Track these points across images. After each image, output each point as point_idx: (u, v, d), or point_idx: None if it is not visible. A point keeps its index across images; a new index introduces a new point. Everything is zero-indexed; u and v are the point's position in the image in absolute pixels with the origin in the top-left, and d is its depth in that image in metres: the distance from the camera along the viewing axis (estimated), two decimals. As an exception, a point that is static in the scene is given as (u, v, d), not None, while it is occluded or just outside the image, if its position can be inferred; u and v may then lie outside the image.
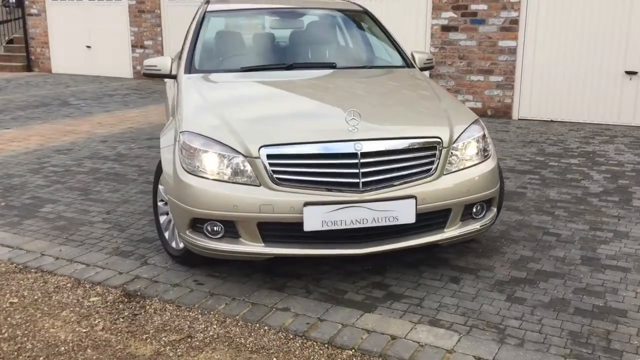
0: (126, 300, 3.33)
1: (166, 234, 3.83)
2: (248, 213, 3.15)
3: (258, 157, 3.18)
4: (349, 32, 5.04)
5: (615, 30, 7.91)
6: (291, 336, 2.95)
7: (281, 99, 3.89)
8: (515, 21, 8.39)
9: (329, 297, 3.32)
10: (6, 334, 2.98)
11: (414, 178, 3.27)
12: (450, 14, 8.72)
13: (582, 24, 8.05)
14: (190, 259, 3.63)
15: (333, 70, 4.40)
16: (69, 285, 3.51)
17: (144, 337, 2.96)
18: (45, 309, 3.24)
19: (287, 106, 3.75)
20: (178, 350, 2.84)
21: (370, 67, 4.56)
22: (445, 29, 8.82)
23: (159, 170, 3.82)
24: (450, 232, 3.40)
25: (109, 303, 3.30)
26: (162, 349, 2.85)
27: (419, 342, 2.86)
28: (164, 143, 3.58)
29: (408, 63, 4.66)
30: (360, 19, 5.11)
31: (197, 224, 3.28)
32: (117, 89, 11.95)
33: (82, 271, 3.66)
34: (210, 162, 3.26)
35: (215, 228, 3.25)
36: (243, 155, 3.21)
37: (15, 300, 3.33)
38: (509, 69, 8.52)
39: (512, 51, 8.45)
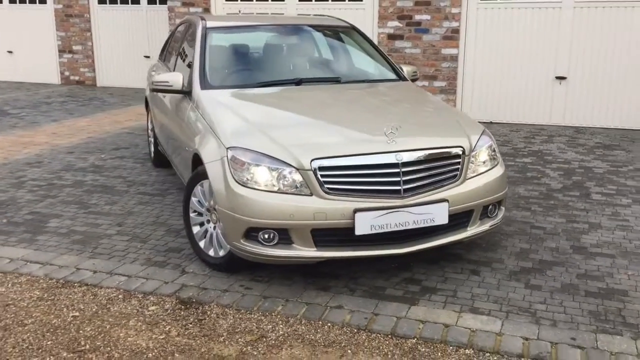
0: (184, 307, 3.53)
1: (201, 244, 4.04)
2: (303, 221, 3.45)
3: (310, 169, 3.48)
4: (343, 47, 5.40)
5: (546, 40, 8.71)
6: (355, 330, 3.28)
7: (312, 113, 4.18)
8: (456, 30, 9.03)
9: (371, 294, 3.67)
10: (87, 346, 3.13)
11: (445, 183, 3.68)
12: (396, 23, 9.24)
13: (516, 34, 8.80)
14: (231, 266, 3.87)
15: (340, 84, 4.74)
16: (120, 296, 3.65)
17: (221, 340, 3.19)
18: (111, 319, 3.39)
19: (322, 121, 4.05)
20: (259, 349, 3.10)
21: (371, 81, 4.94)
22: (391, 37, 9.34)
23: (192, 184, 4.01)
24: (472, 230, 3.84)
25: (169, 311, 3.49)
26: (244, 349, 3.10)
27: (469, 328, 3.26)
28: (207, 158, 3.78)
29: (401, 76, 5.08)
30: (349, 34, 5.47)
31: (251, 232, 3.53)
32: (50, 96, 11.68)
33: (126, 282, 3.81)
34: (263, 175, 3.52)
35: (269, 236, 3.52)
36: (295, 167, 3.49)
37: (77, 313, 3.45)
38: (451, 75, 9.15)
39: (454, 58, 9.09)
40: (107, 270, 3.98)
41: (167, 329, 3.30)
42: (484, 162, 3.92)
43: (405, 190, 3.54)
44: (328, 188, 3.48)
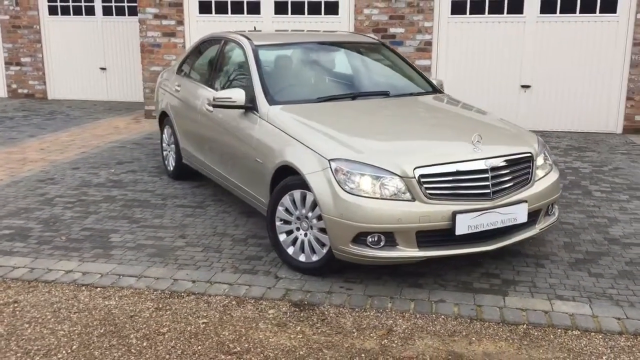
0: (299, 309, 3.78)
1: (289, 250, 4.29)
2: (409, 224, 3.79)
3: (413, 177, 3.83)
4: (379, 61, 5.77)
5: (512, 51, 9.45)
6: (469, 320, 3.65)
7: (389, 125, 4.52)
8: (429, 43, 9.61)
9: (463, 288, 4.05)
10: (238, 348, 3.33)
11: (521, 186, 4.13)
12: (372, 36, 9.69)
13: (484, 46, 9.48)
14: (324, 270, 4.14)
15: (390, 97, 5.12)
16: (233, 302, 3.85)
17: (355, 335, 3.48)
18: (240, 323, 3.59)
19: (403, 132, 4.41)
20: (396, 342, 3.41)
21: (416, 94, 5.33)
22: (368, 49, 9.78)
23: (279, 194, 4.26)
24: (540, 226, 4.31)
25: (288, 313, 3.73)
26: (382, 342, 3.41)
27: (567, 313, 3.71)
28: (307, 170, 4.02)
29: (436, 88, 5.51)
30: (380, 49, 5.85)
31: (360, 236, 3.84)
32: (6, 110, 11.33)
33: (232, 289, 4.00)
34: (368, 183, 3.83)
35: (376, 239, 3.83)
36: (399, 175, 3.83)
37: (205, 320, 3.63)
38: (425, 84, 9.70)
39: (428, 69, 9.66)
40: (204, 279, 4.15)
41: (298, 329, 3.54)
42: (543, 167, 4.40)
43: (494, 193, 3.96)
44: (429, 193, 3.83)
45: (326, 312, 3.74)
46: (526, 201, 4.06)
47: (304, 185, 4.11)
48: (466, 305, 3.80)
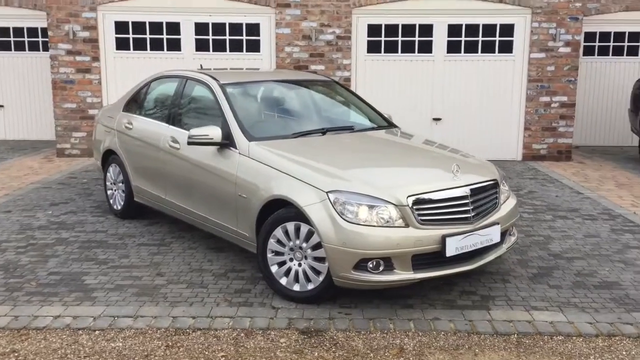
0: (308, 336, 3.94)
1: (282, 281, 4.44)
2: (406, 248, 4.09)
3: (407, 205, 4.14)
4: (335, 98, 6.08)
5: (424, 87, 10.17)
6: (466, 334, 3.98)
7: (371, 157, 4.82)
8: (348, 79, 10.10)
9: (449, 306, 4.39)
10: (269, 377, 3.44)
11: (491, 210, 4.57)
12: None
13: (398, 81, 10.12)
14: (320, 297, 4.33)
15: (356, 132, 5.43)
16: (242, 335, 3.94)
17: (372, 355, 3.70)
18: (259, 354, 3.70)
19: (386, 163, 4.72)
20: (412, 359, 3.67)
21: (377, 128, 5.68)
22: (289, 85, 10.11)
23: (271, 227, 4.42)
24: (506, 245, 4.76)
25: (300, 341, 3.88)
26: (400, 359, 3.66)
27: (546, 321, 4.15)
28: (304, 202, 4.20)
29: (389, 122, 5.91)
30: (333, 86, 6.18)
31: (361, 263, 4.08)
32: None
33: (236, 322, 4.08)
34: (365, 212, 4.10)
35: (376, 264, 4.10)
36: (394, 204, 4.13)
37: (223, 353, 3.70)
38: (345, 119, 10.16)
39: (346, 104, 10.13)
40: (204, 315, 4.19)
41: (316, 354, 3.71)
42: (503, 192, 4.88)
43: (473, 217, 4.36)
44: (421, 219, 4.16)
45: (335, 337, 3.92)
46: (499, 223, 4.49)
47: (298, 217, 4.29)
48: (459, 321, 4.13)
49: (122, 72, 10.13)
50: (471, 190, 4.39)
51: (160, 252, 5.46)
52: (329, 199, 4.14)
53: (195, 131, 4.94)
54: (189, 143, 4.96)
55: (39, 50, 11.73)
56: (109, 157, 6.64)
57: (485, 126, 10.23)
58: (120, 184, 6.43)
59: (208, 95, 5.44)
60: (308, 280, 4.35)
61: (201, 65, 6.68)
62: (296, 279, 4.39)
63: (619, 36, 11.66)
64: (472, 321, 4.14)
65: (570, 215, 6.81)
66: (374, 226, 4.07)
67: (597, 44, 11.65)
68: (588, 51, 11.52)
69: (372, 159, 4.83)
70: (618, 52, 11.75)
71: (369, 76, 10.14)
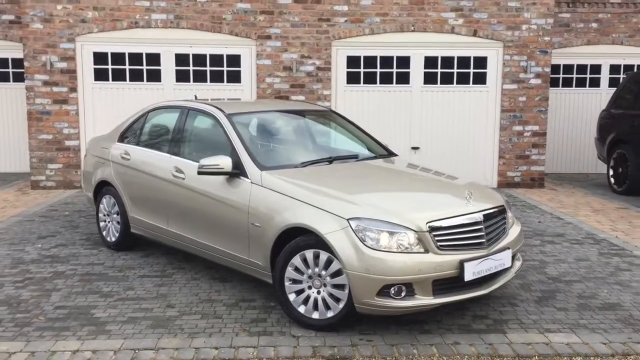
0: (335, 364, 3.97)
1: (301, 309, 4.45)
2: (428, 274, 4.17)
3: (426, 231, 4.24)
4: (336, 127, 6.17)
5: (402, 118, 10.39)
6: (489, 358, 4.06)
7: (383, 185, 4.92)
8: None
9: (465, 330, 4.47)
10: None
11: (502, 235, 4.71)
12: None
13: (377, 112, 10.29)
14: (340, 325, 4.36)
15: (360, 160, 5.53)
16: (269, 364, 3.93)
17: (404, 382, 3.74)
18: (291, 383, 3.70)
19: (398, 191, 4.82)
20: (443, 383, 3.72)
21: (379, 157, 5.77)
22: (270, 116, 10.19)
23: (289, 255, 4.44)
24: (514, 270, 4.89)
25: (328, 368, 3.90)
26: (431, 384, 3.70)
27: (563, 342, 4.26)
28: (325, 230, 4.25)
29: (389, 151, 6.03)
30: (332, 116, 6.28)
31: (384, 289, 4.14)
32: None
33: (260, 352, 4.07)
34: (386, 239, 4.17)
35: (398, 290, 4.16)
36: (414, 230, 4.22)
37: (256, 383, 3.68)
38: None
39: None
40: (226, 345, 4.16)
41: (348, 382, 3.72)
42: (509, 219, 5.03)
43: (487, 242, 4.48)
44: (440, 245, 4.26)
45: (362, 364, 3.94)
46: (509, 248, 4.62)
47: (317, 244, 4.33)
48: (480, 345, 4.21)
49: (101, 103, 10.03)
50: (484, 216, 4.51)
51: (165, 284, 5.40)
52: (350, 226, 4.19)
53: (205, 161, 4.94)
54: (200, 173, 4.96)
55: (9, 81, 11.50)
56: (101, 188, 6.55)
57: (461, 154, 10.47)
58: (115, 215, 6.34)
59: (213, 125, 5.47)
60: (327, 307, 4.37)
61: (196, 96, 6.70)
62: (315, 307, 4.40)
63: (581, 68, 12.17)
64: (491, 344, 4.22)
65: (557, 240, 7.01)
66: (395, 252, 4.14)
67: (561, 75, 12.12)
68: (553, 83, 11.96)
69: (385, 187, 4.93)
70: (581, 83, 12.25)
71: (349, 106, 10.29)
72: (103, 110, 9.99)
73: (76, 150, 10.04)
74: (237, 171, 4.97)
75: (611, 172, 10.33)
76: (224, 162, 4.93)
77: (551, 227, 7.61)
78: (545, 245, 6.78)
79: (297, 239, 4.44)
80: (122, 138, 6.46)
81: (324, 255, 4.32)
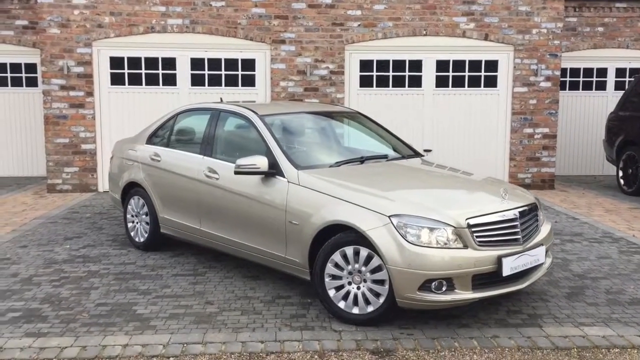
0: (380, 356, 4.06)
1: (340, 305, 4.55)
2: (468, 269, 4.28)
3: (466, 227, 4.35)
4: (364, 128, 6.28)
5: (415, 121, 10.52)
6: (529, 350, 4.16)
7: (419, 184, 5.05)
8: (341, 113, 10.33)
9: (502, 324, 4.58)
10: (362, 395, 3.53)
11: (535, 232, 4.82)
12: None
13: (390, 115, 10.31)
14: (380, 319, 4.46)
15: (391, 160, 5.64)
16: (316, 357, 4.02)
17: (450, 372, 3.84)
18: (342, 375, 3.80)
19: (436, 189, 4.94)
20: (488, 373, 3.83)
21: (407, 157, 5.88)
22: (285, 119, 10.30)
23: (329, 252, 4.54)
24: (546, 265, 5.00)
25: (374, 360, 4.00)
26: (477, 375, 3.81)
27: (599, 335, 4.38)
28: (366, 227, 4.35)
29: (416, 151, 6.14)
30: (358, 118, 6.39)
31: (426, 283, 4.24)
32: None
33: (306, 344, 4.16)
34: (426, 235, 4.28)
35: (438, 284, 4.27)
36: (453, 226, 4.33)
37: (308, 375, 3.78)
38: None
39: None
40: (271, 339, 4.26)
41: (396, 373, 3.82)
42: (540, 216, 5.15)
43: (522, 238, 4.59)
44: (479, 241, 4.37)
45: (407, 356, 4.05)
46: (543, 244, 4.74)
47: (357, 241, 4.44)
48: (519, 338, 4.32)
49: (117, 107, 10.13)
50: (519, 213, 4.62)
51: (199, 282, 5.49)
52: (391, 222, 4.30)
53: (242, 161, 5.04)
54: (237, 172, 5.06)
55: (22, 85, 11.58)
56: (129, 189, 6.64)
57: (473, 156, 10.60)
58: (144, 216, 6.43)
59: (246, 126, 5.57)
60: (367, 302, 4.47)
61: (221, 99, 6.79)
62: (354, 302, 4.50)
63: (588, 72, 12.34)
64: (530, 337, 4.33)
65: (576, 239, 7.14)
66: (435, 248, 4.24)
67: (568, 79, 12.29)
68: (560, 86, 12.10)
69: (420, 185, 5.04)
70: (587, 87, 12.42)
71: (362, 109, 10.31)
72: (119, 114, 10.08)
73: (92, 154, 10.12)
74: (274, 171, 5.07)
75: (620, 174, 10.47)
76: (261, 161, 5.03)
77: (568, 227, 7.73)
78: (565, 244, 6.90)
79: (338, 235, 4.54)
80: (151, 140, 6.55)
81: (364, 252, 4.42)
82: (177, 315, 4.70)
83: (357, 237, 4.43)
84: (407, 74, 10.46)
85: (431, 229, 4.28)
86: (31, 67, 11.44)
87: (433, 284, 4.23)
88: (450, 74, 10.51)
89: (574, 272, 5.85)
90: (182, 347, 4.12)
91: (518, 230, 4.56)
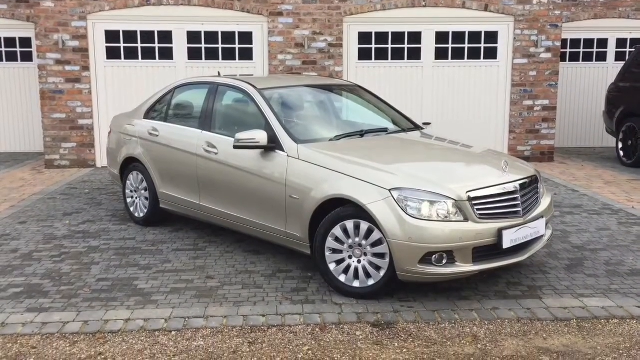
0: (380, 328, 4.08)
1: (341, 278, 4.56)
2: (468, 242, 4.28)
3: (466, 200, 4.34)
4: (362, 101, 6.24)
5: (414, 94, 10.45)
6: (529, 321, 4.18)
7: (420, 156, 5.04)
8: (340, 86, 10.27)
9: (502, 296, 4.59)
10: (363, 367, 3.56)
11: (535, 204, 4.81)
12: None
13: (389, 88, 10.30)
14: (380, 292, 4.47)
15: (390, 133, 5.61)
16: (317, 330, 4.04)
17: (450, 344, 3.86)
18: (342, 347, 3.81)
19: (435, 162, 4.92)
20: (489, 346, 3.85)
21: (408, 130, 5.85)
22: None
23: (330, 226, 4.53)
24: (546, 237, 5.00)
25: (375, 332, 4.01)
26: (477, 346, 3.83)
27: (598, 306, 4.40)
28: (367, 200, 4.34)
29: (416, 125, 6.10)
30: (359, 91, 6.34)
31: (426, 257, 4.24)
32: None
33: (307, 318, 4.18)
34: (427, 208, 4.27)
35: (439, 257, 4.27)
36: (454, 199, 4.32)
37: (307, 347, 3.80)
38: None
39: (339, 110, 10.31)
40: (272, 313, 4.28)
41: (396, 344, 3.85)
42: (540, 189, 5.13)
43: (523, 211, 4.59)
44: (479, 214, 4.36)
45: (407, 329, 4.07)
46: (543, 216, 4.74)
47: (357, 215, 4.43)
48: (518, 310, 4.34)
49: (113, 81, 10.05)
50: (519, 185, 4.61)
51: (200, 257, 5.50)
52: (392, 196, 4.29)
53: (241, 135, 5.01)
54: (236, 147, 5.03)
55: (16, 60, 11.47)
56: (128, 165, 6.61)
57: (472, 129, 10.56)
58: (143, 192, 6.41)
59: (245, 100, 5.53)
60: (368, 276, 4.48)
61: (219, 72, 6.73)
62: (355, 276, 4.51)
63: (588, 43, 12.24)
64: (530, 309, 4.35)
65: (575, 211, 7.14)
66: (436, 221, 4.24)
67: (568, 50, 12.19)
68: (560, 57, 12.01)
69: (421, 158, 5.03)
70: (588, 58, 12.33)
71: (360, 82, 10.26)
72: (116, 88, 10.01)
73: (90, 129, 10.06)
74: (273, 145, 5.04)
75: (620, 145, 10.45)
76: (260, 136, 5.00)
77: (567, 199, 7.73)
78: (564, 216, 6.91)
79: (338, 209, 4.53)
80: (148, 115, 6.50)
81: (364, 225, 4.42)
82: (178, 289, 4.71)
83: (358, 211, 4.43)
84: (406, 46, 10.37)
85: (432, 202, 4.26)
86: (26, 42, 11.32)
87: (434, 257, 4.23)
88: (450, 45, 10.42)
89: (573, 244, 5.86)
90: (183, 322, 4.13)
91: (518, 202, 4.55)
